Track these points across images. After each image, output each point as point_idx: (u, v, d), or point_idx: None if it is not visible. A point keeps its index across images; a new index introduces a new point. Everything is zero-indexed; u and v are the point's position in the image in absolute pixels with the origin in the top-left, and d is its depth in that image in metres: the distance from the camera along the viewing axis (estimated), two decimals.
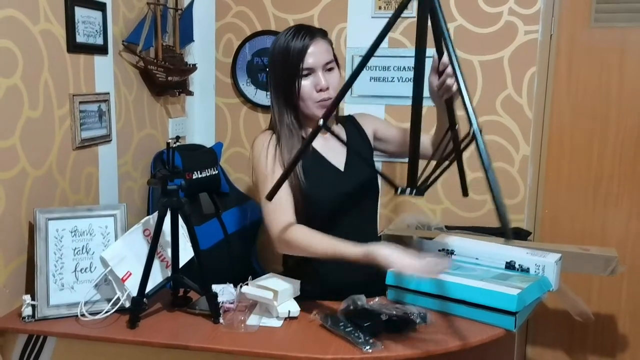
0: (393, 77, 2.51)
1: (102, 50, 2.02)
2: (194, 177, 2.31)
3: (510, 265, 1.72)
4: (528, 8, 2.38)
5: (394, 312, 1.53)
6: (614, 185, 2.49)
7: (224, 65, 2.70)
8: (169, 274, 1.69)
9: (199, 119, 2.76)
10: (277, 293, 1.56)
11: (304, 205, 1.68)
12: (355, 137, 1.84)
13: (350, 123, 1.88)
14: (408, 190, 1.40)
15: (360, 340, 1.42)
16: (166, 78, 2.30)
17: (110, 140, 2.10)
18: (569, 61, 2.46)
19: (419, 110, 1.37)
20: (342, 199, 1.72)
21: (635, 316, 2.55)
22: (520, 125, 2.46)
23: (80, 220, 1.69)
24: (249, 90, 2.66)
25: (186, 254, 1.70)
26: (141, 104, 2.31)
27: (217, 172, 2.44)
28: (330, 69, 1.72)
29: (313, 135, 1.44)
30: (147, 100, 2.35)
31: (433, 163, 1.44)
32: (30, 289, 1.66)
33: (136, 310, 1.55)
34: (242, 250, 2.48)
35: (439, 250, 1.86)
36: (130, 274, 1.64)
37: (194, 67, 2.52)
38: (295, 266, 1.79)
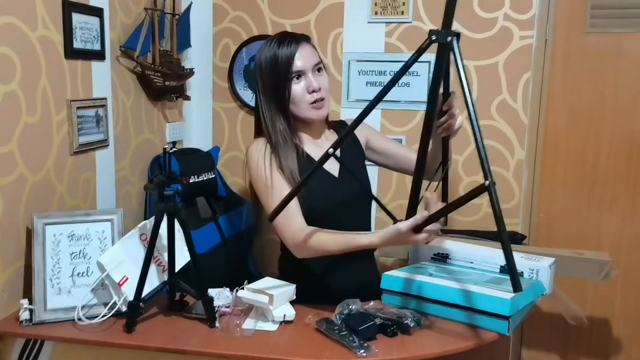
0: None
1: (99, 55, 2.03)
2: (191, 181, 2.32)
3: (504, 269, 1.74)
4: (523, 13, 2.40)
5: (389, 316, 1.55)
6: (608, 190, 2.50)
7: (221, 69, 2.71)
8: (166, 278, 1.70)
9: (196, 123, 2.77)
10: (273, 297, 1.57)
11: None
12: (349, 144, 1.85)
13: (343, 129, 1.89)
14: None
15: (355, 344, 1.43)
16: (163, 83, 2.31)
17: (108, 145, 2.11)
18: (563, 66, 2.47)
19: (424, 155, 1.45)
20: (336, 204, 1.73)
21: (628, 320, 2.56)
22: (515, 129, 2.47)
23: (77, 225, 1.70)
24: (246, 94, 2.68)
25: (182, 258, 1.71)
26: (139, 108, 2.32)
27: (214, 176, 2.45)
28: (319, 70, 1.73)
29: (321, 162, 1.47)
30: (144, 105, 2.36)
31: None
32: (27, 293, 1.67)
33: (133, 315, 1.56)
34: (239, 254, 2.49)
35: (434, 255, 1.87)
36: (127, 278, 1.65)
37: (191, 72, 2.53)
38: (291, 270, 1.81)
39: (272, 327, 1.57)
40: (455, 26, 2.43)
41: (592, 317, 2.57)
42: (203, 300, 1.60)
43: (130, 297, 1.58)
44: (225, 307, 1.66)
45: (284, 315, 1.59)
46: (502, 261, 1.74)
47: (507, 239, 1.29)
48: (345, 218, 1.72)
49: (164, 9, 2.36)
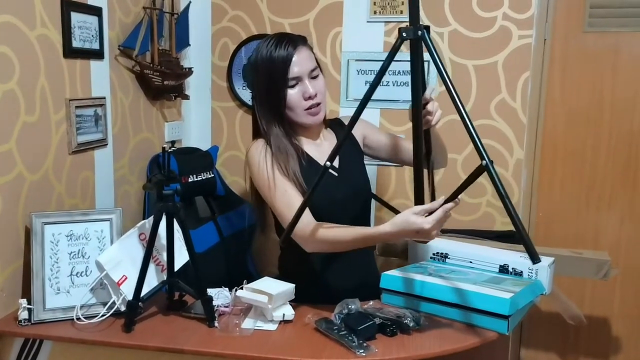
0: (388, 81, 2.53)
1: (98, 55, 2.03)
2: (189, 180, 2.32)
3: (503, 269, 1.74)
4: (522, 13, 2.40)
5: (388, 316, 1.55)
6: (607, 189, 2.50)
7: (220, 69, 2.71)
8: (165, 277, 1.69)
9: (195, 122, 2.77)
10: (272, 297, 1.57)
11: None
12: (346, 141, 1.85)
13: (339, 127, 1.89)
14: None
15: (354, 344, 1.43)
16: (162, 82, 2.31)
17: (107, 144, 2.10)
18: (562, 66, 2.47)
19: (418, 151, 1.47)
20: (336, 203, 1.73)
21: (627, 319, 2.57)
22: (514, 129, 2.47)
23: (76, 225, 1.70)
24: (245, 93, 2.67)
25: (181, 257, 1.71)
26: (137, 108, 2.32)
27: (213, 175, 2.45)
28: (315, 76, 1.72)
29: (321, 177, 1.47)
30: (143, 104, 2.36)
31: None
32: (26, 292, 1.67)
33: (131, 314, 1.56)
34: (238, 254, 2.48)
35: (433, 255, 1.87)
36: (126, 277, 1.65)
37: (190, 71, 2.53)
38: (291, 270, 1.81)
39: (271, 326, 1.57)
40: (455, 25, 2.45)
41: (590, 316, 2.57)
42: (202, 299, 1.60)
43: (129, 297, 1.58)
44: (225, 306, 1.66)
45: (283, 314, 1.59)
46: (501, 261, 1.75)
47: (516, 214, 1.30)
48: (344, 216, 1.72)
49: (163, 8, 2.36)
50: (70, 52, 1.86)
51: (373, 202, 2.15)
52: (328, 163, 1.45)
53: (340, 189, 1.76)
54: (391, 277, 1.69)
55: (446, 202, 1.44)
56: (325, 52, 2.58)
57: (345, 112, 2.55)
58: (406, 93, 2.50)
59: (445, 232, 2.29)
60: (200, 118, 2.77)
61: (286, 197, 1.65)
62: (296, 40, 1.70)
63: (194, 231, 2.21)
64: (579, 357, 2.63)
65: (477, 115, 2.47)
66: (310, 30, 2.57)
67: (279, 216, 1.69)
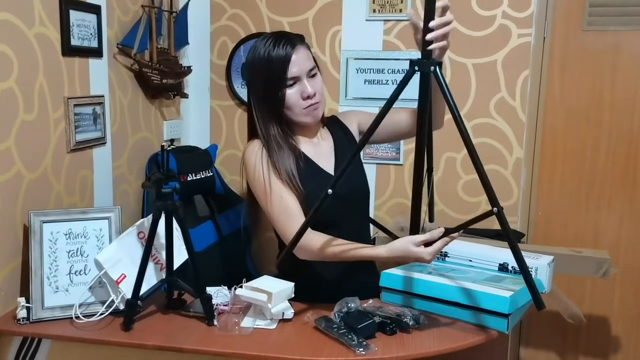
0: (387, 80, 2.52)
1: (96, 53, 2.02)
2: (188, 179, 2.31)
3: (503, 268, 1.73)
4: (521, 11, 2.39)
5: (388, 314, 1.55)
6: (606, 188, 2.50)
7: (219, 67, 2.71)
8: (164, 276, 1.69)
9: (193, 121, 2.77)
10: (271, 295, 1.56)
11: None
12: (342, 140, 1.84)
13: (336, 125, 1.88)
14: None
15: (353, 343, 1.43)
16: (161, 81, 2.31)
17: (105, 142, 2.10)
18: (562, 64, 2.47)
19: (420, 173, 1.49)
20: (334, 203, 1.72)
21: (627, 318, 2.57)
22: (514, 127, 2.47)
23: (74, 223, 1.70)
24: (244, 92, 2.67)
25: (180, 256, 1.71)
26: (136, 106, 2.31)
27: (211, 174, 2.45)
28: (313, 75, 1.70)
29: (322, 202, 1.47)
30: (141, 102, 2.35)
31: None
32: (25, 291, 1.66)
33: (130, 313, 1.56)
34: (237, 253, 2.48)
35: None
36: (125, 276, 1.65)
37: (188, 70, 2.52)
38: (290, 268, 1.80)
39: (270, 325, 1.57)
40: (454, 24, 2.44)
41: (590, 315, 2.57)
42: (201, 298, 1.59)
43: (128, 295, 1.58)
44: (224, 305, 1.66)
45: (283, 313, 1.59)
46: (501, 259, 1.74)
47: (523, 262, 1.35)
48: (344, 216, 1.71)
49: (162, 7, 2.36)
50: (69, 50, 1.86)
51: (372, 202, 2.15)
52: (330, 190, 1.46)
53: (339, 189, 1.75)
54: (391, 275, 1.68)
55: (445, 233, 1.47)
56: (324, 50, 2.58)
57: (344, 110, 2.54)
58: (406, 93, 2.50)
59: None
60: (199, 116, 2.76)
61: (283, 203, 1.64)
62: (294, 40, 1.68)
63: (193, 230, 2.21)
64: (579, 356, 2.63)
65: (476, 114, 2.47)
66: (309, 28, 2.57)
67: (273, 222, 1.68)
